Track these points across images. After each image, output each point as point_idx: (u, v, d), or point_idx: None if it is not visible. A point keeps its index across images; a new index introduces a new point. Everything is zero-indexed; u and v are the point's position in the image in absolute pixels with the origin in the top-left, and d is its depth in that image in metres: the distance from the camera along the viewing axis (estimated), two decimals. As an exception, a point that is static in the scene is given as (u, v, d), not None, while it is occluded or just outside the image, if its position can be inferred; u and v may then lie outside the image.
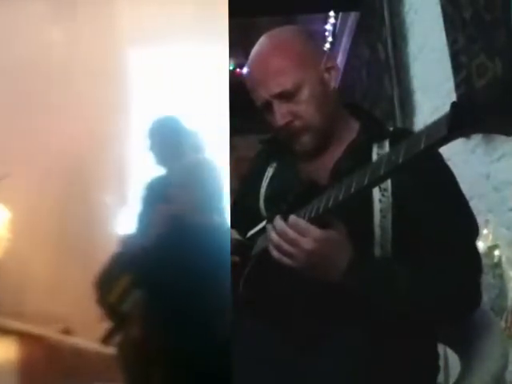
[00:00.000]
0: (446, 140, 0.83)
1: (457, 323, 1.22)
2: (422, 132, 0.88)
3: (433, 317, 1.14)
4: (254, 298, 1.19)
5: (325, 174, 1.22)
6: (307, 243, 1.03)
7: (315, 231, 1.04)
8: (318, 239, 1.04)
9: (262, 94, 1.23)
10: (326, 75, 1.26)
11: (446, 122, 0.81)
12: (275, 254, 1.07)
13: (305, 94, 1.21)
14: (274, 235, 1.08)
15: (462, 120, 0.80)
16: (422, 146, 0.85)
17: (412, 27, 2.95)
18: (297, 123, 1.22)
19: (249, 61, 1.27)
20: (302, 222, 1.05)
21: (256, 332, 1.14)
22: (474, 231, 1.18)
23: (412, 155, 0.88)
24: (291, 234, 1.05)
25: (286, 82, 1.20)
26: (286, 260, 1.06)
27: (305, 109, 1.21)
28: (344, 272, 1.05)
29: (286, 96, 1.21)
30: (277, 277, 1.18)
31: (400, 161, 0.90)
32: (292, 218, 1.07)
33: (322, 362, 1.05)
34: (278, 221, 1.08)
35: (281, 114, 1.21)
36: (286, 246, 1.05)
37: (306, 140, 1.24)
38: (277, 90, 1.21)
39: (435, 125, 0.84)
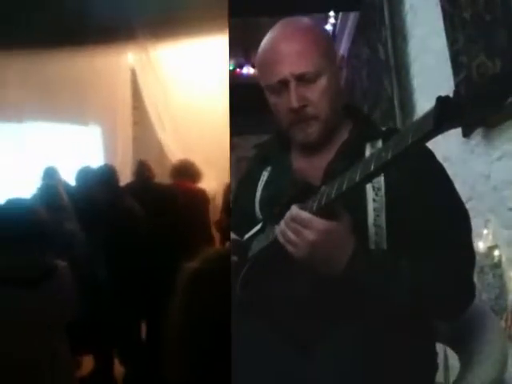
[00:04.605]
0: (432, 133, 0.84)
1: (454, 318, 1.22)
2: (409, 127, 0.89)
3: (431, 313, 1.15)
4: (250, 299, 1.19)
5: (319, 175, 1.23)
6: (310, 234, 1.04)
7: (318, 223, 1.04)
8: (321, 231, 1.04)
9: (283, 71, 1.21)
10: (340, 72, 1.28)
11: (432, 116, 0.82)
12: (281, 239, 1.09)
13: (322, 83, 1.22)
14: (282, 222, 1.09)
15: (447, 114, 0.81)
16: (410, 140, 0.86)
17: (412, 27, 2.95)
18: (309, 109, 1.22)
19: (271, 36, 1.25)
20: (305, 214, 1.06)
21: (255, 332, 1.14)
22: (467, 226, 1.18)
23: (401, 150, 0.89)
24: (295, 224, 1.06)
25: (310, 65, 1.20)
26: (289, 248, 1.07)
27: (319, 98, 1.22)
28: (346, 265, 1.05)
29: (306, 79, 1.21)
30: (273, 278, 1.18)
31: (389, 156, 0.90)
32: (294, 208, 1.07)
33: (321, 361, 1.05)
34: (292, 209, 1.08)
35: (297, 96, 1.20)
36: (290, 235, 1.06)
37: (311, 130, 1.24)
38: (301, 69, 1.20)
39: (422, 120, 0.85)
